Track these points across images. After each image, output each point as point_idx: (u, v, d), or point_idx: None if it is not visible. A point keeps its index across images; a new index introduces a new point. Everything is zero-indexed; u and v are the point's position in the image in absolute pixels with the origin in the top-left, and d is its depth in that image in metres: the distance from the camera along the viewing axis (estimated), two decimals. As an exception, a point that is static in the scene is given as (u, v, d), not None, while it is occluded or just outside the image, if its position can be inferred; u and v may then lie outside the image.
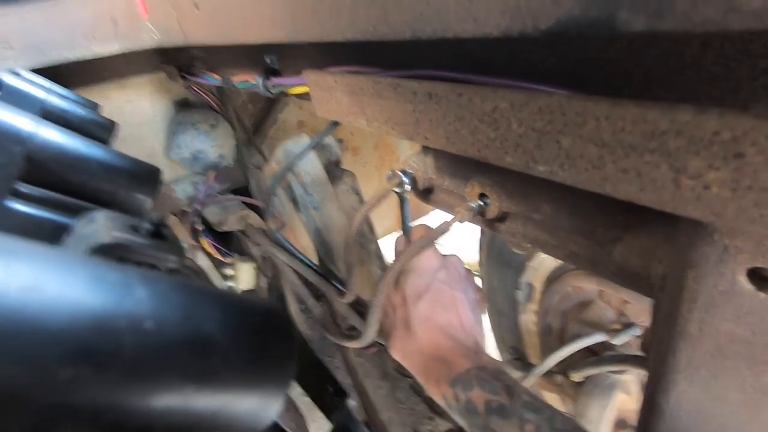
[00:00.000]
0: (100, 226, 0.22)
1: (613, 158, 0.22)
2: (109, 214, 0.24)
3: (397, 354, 0.52)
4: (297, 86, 0.55)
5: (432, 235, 0.52)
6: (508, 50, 0.31)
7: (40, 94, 0.49)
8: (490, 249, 1.46)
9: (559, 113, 0.24)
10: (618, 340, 1.07)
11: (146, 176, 0.40)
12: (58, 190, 0.32)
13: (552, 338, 1.34)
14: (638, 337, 1.09)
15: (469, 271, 0.59)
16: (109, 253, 0.21)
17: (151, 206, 0.39)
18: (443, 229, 0.52)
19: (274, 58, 0.61)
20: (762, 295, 0.27)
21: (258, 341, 0.17)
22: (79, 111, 0.52)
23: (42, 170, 0.31)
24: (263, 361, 0.17)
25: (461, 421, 0.44)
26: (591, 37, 0.26)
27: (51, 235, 0.25)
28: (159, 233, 0.24)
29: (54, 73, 0.72)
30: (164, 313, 0.15)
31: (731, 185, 0.18)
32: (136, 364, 0.13)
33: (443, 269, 0.54)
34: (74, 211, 0.27)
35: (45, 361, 0.12)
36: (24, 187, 0.30)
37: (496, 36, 0.22)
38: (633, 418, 1.15)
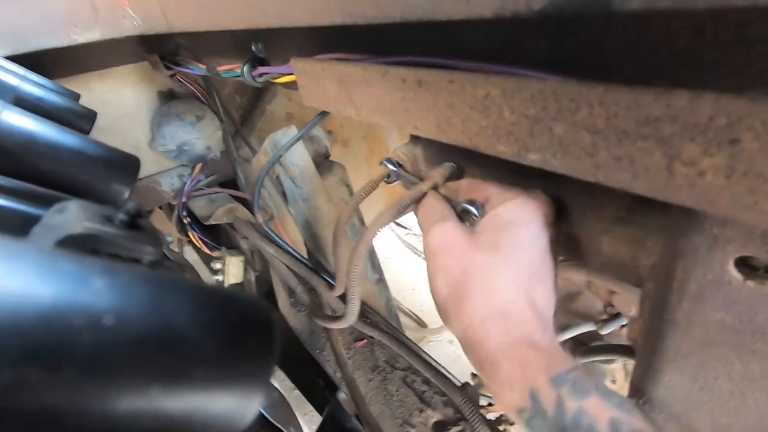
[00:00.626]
0: (71, 216, 0.20)
1: (606, 145, 0.22)
2: (82, 203, 0.23)
3: (465, 318, 0.36)
4: (284, 75, 0.54)
5: (404, 200, 0.46)
6: (499, 36, 0.30)
7: (13, 81, 0.47)
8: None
9: (552, 99, 0.23)
10: (605, 330, 1.09)
11: (123, 165, 0.39)
12: (29, 179, 0.30)
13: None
14: (623, 326, 1.10)
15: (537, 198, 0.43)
16: (80, 244, 0.20)
17: (129, 196, 0.37)
18: (416, 194, 0.48)
19: (260, 45, 0.59)
20: (750, 283, 0.27)
21: (234, 336, 0.16)
22: (56, 100, 0.50)
23: (9, 158, 0.30)
24: (240, 357, 0.16)
25: None
26: (584, 22, 0.25)
27: (21, 226, 0.24)
28: (135, 224, 0.23)
29: (33, 62, 0.70)
30: (126, 307, 0.14)
31: (726, 172, 0.18)
32: (92, 364, 0.12)
33: (544, 228, 0.40)
34: (47, 202, 0.25)
35: None
36: (-10, 176, 0.29)
37: (489, 17, 0.22)
38: (619, 406, 1.16)
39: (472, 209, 0.44)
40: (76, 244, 0.19)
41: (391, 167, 0.59)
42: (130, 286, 0.14)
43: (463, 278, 0.37)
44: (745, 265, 0.27)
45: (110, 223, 0.22)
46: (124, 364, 0.12)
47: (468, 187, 0.46)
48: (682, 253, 0.29)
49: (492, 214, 0.40)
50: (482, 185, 0.45)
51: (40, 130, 0.33)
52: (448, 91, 0.30)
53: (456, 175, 0.51)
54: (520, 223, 0.39)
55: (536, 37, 0.28)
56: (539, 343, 0.33)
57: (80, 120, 0.53)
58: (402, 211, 0.47)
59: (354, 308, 0.59)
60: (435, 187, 0.48)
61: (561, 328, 1.17)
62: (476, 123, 0.29)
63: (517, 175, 0.49)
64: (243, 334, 0.16)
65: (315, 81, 0.44)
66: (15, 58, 0.66)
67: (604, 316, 1.15)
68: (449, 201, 0.46)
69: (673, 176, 0.20)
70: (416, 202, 0.47)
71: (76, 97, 0.64)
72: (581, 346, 1.16)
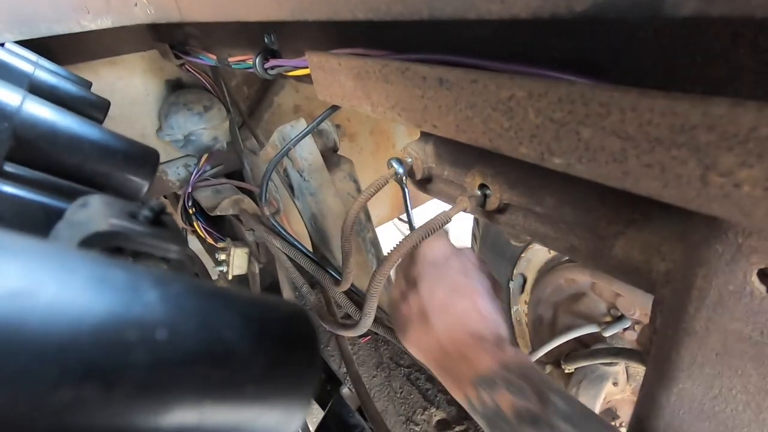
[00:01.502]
0: (95, 211, 0.20)
1: (636, 152, 0.22)
2: (105, 198, 0.22)
3: (413, 348, 0.48)
4: (297, 69, 0.53)
5: (432, 224, 0.51)
6: (524, 35, 0.30)
7: (27, 67, 0.47)
8: (483, 239, 1.46)
9: (580, 103, 0.23)
10: (609, 333, 1.09)
11: (143, 158, 0.38)
12: (50, 171, 0.30)
13: (543, 329, 1.35)
14: (627, 329, 1.10)
15: (482, 261, 0.56)
16: (106, 241, 0.19)
17: (148, 190, 0.37)
18: (443, 219, 0.50)
19: (273, 37, 0.59)
20: (772, 295, 0.27)
21: (281, 349, 0.15)
22: (70, 87, 0.49)
23: (31, 149, 0.30)
24: (286, 371, 0.15)
25: (487, 428, 0.40)
26: (616, 25, 0.25)
27: (42, 219, 0.24)
28: (159, 220, 0.23)
29: (41, 47, 0.69)
30: (179, 320, 0.13)
31: (764, 183, 0.18)
32: (147, 380, 0.12)
33: (455, 257, 0.51)
34: (67, 194, 0.25)
35: (39, 382, 0.10)
36: (12, 167, 0.28)
37: (524, 18, 0.21)
38: (620, 408, 1.17)
39: None
40: (102, 242, 0.19)
41: (398, 169, 0.59)
42: (180, 297, 0.14)
43: (407, 325, 0.50)
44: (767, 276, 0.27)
45: (135, 220, 0.21)
46: (178, 380, 0.12)
47: None
48: (703, 261, 0.29)
49: (411, 268, 0.53)
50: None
51: (61, 121, 0.33)
52: (470, 90, 0.29)
53: (485, 203, 0.54)
54: (424, 264, 0.52)
55: (563, 37, 0.28)
56: (466, 354, 0.42)
57: (93, 109, 0.53)
58: (428, 236, 0.51)
59: (368, 321, 0.59)
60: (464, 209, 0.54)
61: (564, 328, 1.17)
62: (499, 124, 0.28)
63: (529, 175, 0.49)
64: (288, 347, 0.16)
65: (330, 76, 0.43)
66: (24, 44, 0.65)
67: (608, 318, 1.15)
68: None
69: (707, 186, 0.19)
70: (441, 227, 0.53)
71: (89, 85, 0.64)
72: (584, 347, 1.16)
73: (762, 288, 0.27)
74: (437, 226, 0.50)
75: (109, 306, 0.12)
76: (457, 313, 0.45)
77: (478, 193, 0.53)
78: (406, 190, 0.60)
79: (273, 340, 0.15)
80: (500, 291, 0.54)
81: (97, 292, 0.12)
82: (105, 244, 0.19)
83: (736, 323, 0.29)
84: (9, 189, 0.24)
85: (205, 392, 0.13)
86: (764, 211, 0.18)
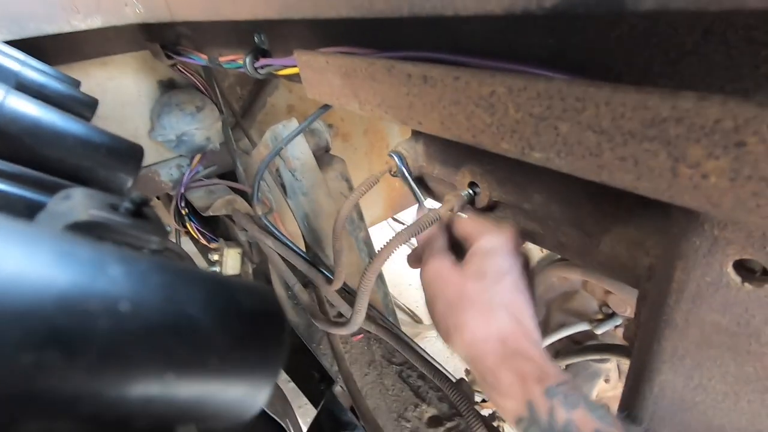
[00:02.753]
0: (76, 203, 0.20)
1: (611, 145, 0.22)
2: (87, 191, 0.22)
3: (464, 339, 0.41)
4: (287, 67, 0.54)
5: (422, 221, 0.51)
6: (506, 33, 0.30)
7: (14, 66, 0.47)
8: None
9: (558, 98, 0.23)
10: (600, 330, 1.10)
11: (127, 153, 0.38)
12: (33, 165, 0.30)
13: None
14: (618, 326, 1.11)
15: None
16: (86, 232, 0.20)
17: (132, 185, 0.37)
18: (432, 217, 0.51)
19: (263, 37, 0.59)
20: (748, 286, 0.27)
21: (246, 325, 0.16)
22: (58, 86, 0.50)
23: (14, 143, 0.30)
24: (252, 346, 0.16)
25: None
26: (592, 21, 0.25)
27: (25, 213, 0.24)
28: (140, 212, 0.23)
29: (32, 47, 0.69)
30: (142, 294, 0.14)
31: (730, 175, 0.18)
32: (109, 349, 0.12)
33: (520, 255, 0.46)
34: (51, 189, 0.25)
35: (3, 345, 0.11)
36: (-7, 162, 0.28)
37: (498, 14, 0.22)
38: (612, 404, 1.18)
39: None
40: (82, 232, 0.19)
41: (399, 163, 0.60)
42: (145, 273, 0.14)
43: (460, 304, 0.42)
44: (743, 267, 0.27)
45: (116, 212, 0.22)
46: (140, 351, 0.13)
47: (455, 221, 0.53)
48: (681, 254, 0.30)
49: (474, 249, 0.46)
50: (462, 222, 0.52)
51: (44, 116, 0.33)
52: (453, 87, 0.30)
53: (475, 201, 0.54)
54: (496, 252, 0.45)
55: (544, 35, 0.28)
56: (534, 357, 0.38)
57: (82, 107, 0.53)
58: (419, 231, 0.50)
59: (359, 319, 0.60)
60: (451, 210, 0.53)
61: (557, 326, 1.18)
62: (481, 120, 0.29)
63: (517, 173, 0.49)
64: (254, 324, 0.16)
65: (319, 74, 0.44)
66: (14, 44, 0.65)
67: (600, 316, 1.15)
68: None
69: (677, 178, 0.20)
70: (432, 224, 0.51)
71: (77, 84, 0.64)
72: (576, 345, 1.17)
73: (738, 279, 0.28)
74: (427, 224, 0.51)
75: (73, 277, 0.12)
76: (519, 311, 0.41)
77: (465, 192, 0.53)
78: (410, 178, 0.60)
79: (237, 316, 0.16)
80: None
81: (62, 265, 0.13)
82: (85, 234, 0.19)
83: (714, 314, 0.30)
84: (-8, 183, 0.25)
85: (168, 363, 0.13)
86: (731, 201, 0.19)
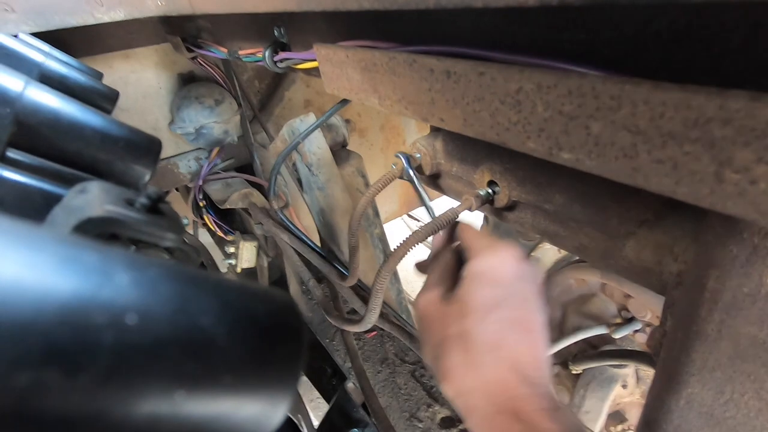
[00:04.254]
0: (92, 197, 0.20)
1: (648, 147, 0.21)
2: (104, 185, 0.22)
3: (450, 388, 0.37)
4: (306, 61, 0.53)
5: (439, 220, 0.50)
6: (535, 27, 0.29)
7: (38, 57, 0.47)
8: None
9: (591, 96, 0.22)
10: (618, 334, 1.07)
11: (146, 147, 0.38)
12: (51, 157, 0.30)
13: (552, 330, 1.34)
14: (637, 331, 1.08)
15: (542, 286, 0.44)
16: (100, 227, 0.19)
17: (150, 179, 0.37)
18: (451, 216, 0.49)
19: (283, 30, 0.58)
20: (789, 298, 0.26)
21: (263, 339, 0.15)
22: (80, 78, 0.50)
23: (33, 135, 0.30)
24: (268, 362, 0.15)
25: None
26: (629, 15, 0.24)
27: (42, 205, 0.24)
28: (156, 208, 0.23)
29: (57, 40, 0.70)
30: (151, 305, 0.13)
31: (782, 181, 0.17)
32: (115, 366, 0.12)
33: (522, 280, 0.39)
34: (68, 181, 0.25)
35: None
36: (13, 153, 0.28)
37: (532, 5, 0.20)
38: (628, 410, 1.15)
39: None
40: (96, 228, 0.19)
41: (405, 164, 0.59)
42: (155, 281, 0.13)
43: (441, 351, 0.37)
44: (784, 279, 0.26)
45: (131, 207, 0.21)
46: (148, 367, 0.12)
47: (462, 230, 0.48)
48: (716, 262, 0.28)
49: (466, 270, 0.40)
50: (466, 232, 0.46)
51: (64, 108, 0.33)
52: (477, 83, 0.29)
53: (493, 201, 0.52)
54: (486, 278, 0.38)
55: (573, 29, 0.27)
56: (522, 412, 0.33)
57: (103, 99, 0.53)
58: (435, 232, 0.48)
59: (373, 317, 0.59)
60: (469, 208, 0.51)
61: (573, 329, 1.16)
62: (506, 118, 0.28)
63: (538, 172, 0.48)
64: (272, 337, 0.15)
65: (338, 68, 0.43)
66: (40, 36, 0.66)
67: (618, 320, 1.13)
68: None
69: (721, 183, 0.18)
70: (447, 224, 0.48)
71: (99, 76, 0.65)
72: (593, 349, 1.14)
73: (778, 291, 0.26)
74: (445, 223, 0.49)
75: (76, 287, 0.12)
76: (512, 356, 0.35)
77: (483, 191, 0.52)
78: (417, 182, 0.58)
79: (255, 329, 0.15)
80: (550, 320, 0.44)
81: (64, 272, 0.12)
82: (100, 230, 0.19)
83: (749, 327, 0.28)
84: (10, 174, 0.25)
85: (178, 381, 0.12)
86: (782, 210, 0.17)
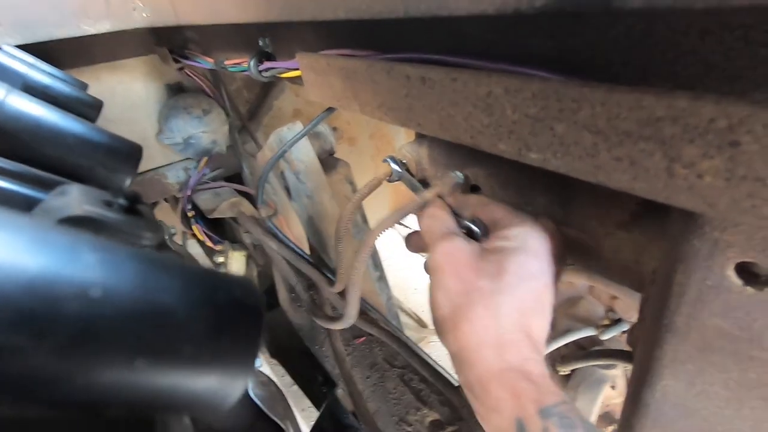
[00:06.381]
0: (72, 199, 0.21)
1: (607, 146, 0.22)
2: (83, 188, 0.23)
3: (459, 338, 0.36)
4: (290, 70, 0.54)
5: (407, 208, 0.47)
6: (506, 35, 0.30)
7: (22, 68, 0.48)
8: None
9: (554, 99, 0.23)
10: (606, 336, 1.08)
11: (126, 153, 0.39)
12: (33, 164, 0.31)
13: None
14: (624, 332, 1.10)
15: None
16: (78, 227, 0.20)
17: (130, 183, 0.38)
18: (419, 203, 0.48)
19: (267, 40, 0.60)
20: (749, 290, 0.27)
21: (223, 316, 0.16)
22: (63, 88, 0.50)
23: (15, 142, 0.30)
24: (227, 336, 0.16)
25: None
26: (588, 22, 0.25)
27: (23, 210, 0.24)
28: (134, 209, 0.23)
29: (45, 52, 0.71)
30: (114, 281, 0.14)
31: (725, 174, 0.18)
32: (79, 334, 0.12)
33: (555, 259, 0.40)
34: (50, 187, 0.25)
35: None
36: (-6, 160, 0.29)
37: (492, 14, 0.22)
38: (618, 412, 1.16)
39: (475, 229, 0.44)
40: (75, 227, 0.19)
41: (394, 166, 0.59)
42: (120, 261, 0.14)
43: (464, 300, 0.37)
44: (745, 270, 0.27)
45: (110, 208, 0.22)
46: (110, 336, 0.13)
47: (476, 203, 0.46)
48: (682, 257, 0.29)
49: (500, 238, 0.40)
50: (491, 205, 0.44)
51: (44, 115, 0.34)
52: (451, 88, 0.30)
53: (464, 187, 0.51)
54: (526, 252, 0.38)
55: (541, 36, 0.28)
56: (531, 374, 0.34)
57: (87, 109, 0.54)
58: (405, 216, 0.47)
59: (353, 310, 0.59)
60: (440, 197, 0.48)
61: (562, 331, 1.17)
62: (478, 121, 0.29)
63: (519, 176, 0.49)
64: (231, 315, 0.16)
65: (320, 76, 0.44)
66: (27, 48, 0.67)
67: (606, 321, 1.14)
68: (454, 214, 0.46)
69: (672, 178, 0.20)
70: (420, 210, 0.47)
71: (84, 86, 0.65)
72: (581, 351, 1.15)
73: (739, 282, 0.27)
74: (414, 208, 0.48)
75: (45, 263, 0.13)
76: (530, 323, 0.37)
77: (455, 174, 0.51)
78: (408, 176, 0.58)
79: (214, 306, 0.16)
80: None
81: (35, 251, 0.13)
82: (78, 229, 0.19)
83: (715, 319, 0.29)
84: (-8, 180, 0.25)
85: (139, 350, 0.13)
86: (727, 201, 0.18)
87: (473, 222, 0.44)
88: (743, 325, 0.28)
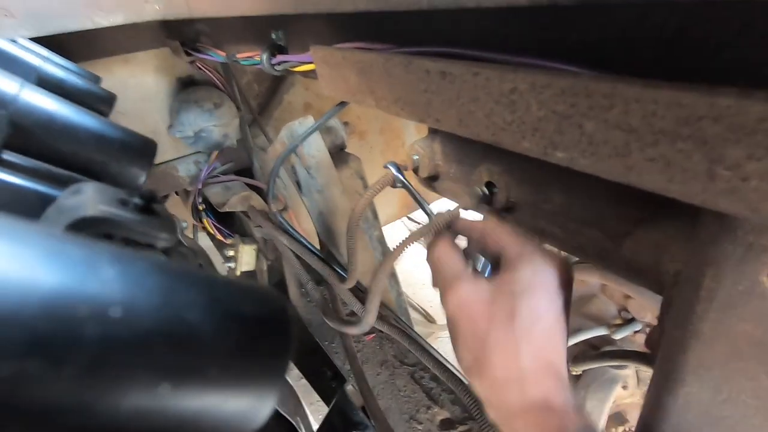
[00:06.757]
0: (87, 198, 0.20)
1: (640, 145, 0.21)
2: (98, 186, 0.22)
3: (488, 377, 0.38)
4: (303, 64, 0.53)
5: (436, 222, 0.49)
6: (529, 27, 0.29)
7: (36, 61, 0.48)
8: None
9: (583, 95, 0.22)
10: (619, 335, 1.07)
11: (141, 148, 0.38)
12: (47, 159, 0.30)
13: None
14: (637, 332, 1.08)
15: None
16: (94, 227, 0.19)
17: (145, 180, 0.37)
18: (448, 218, 0.49)
19: (280, 33, 0.59)
20: (784, 296, 0.26)
21: (249, 333, 0.15)
22: (77, 81, 0.50)
23: (29, 137, 0.30)
24: (255, 356, 0.15)
25: None
26: (621, 14, 0.24)
27: (37, 206, 0.24)
28: (150, 208, 0.23)
29: (57, 44, 0.71)
30: (136, 299, 0.13)
31: (773, 178, 0.17)
32: (98, 358, 0.12)
33: (565, 288, 0.41)
34: (64, 183, 0.25)
35: None
36: (9, 155, 0.28)
37: (524, 5, 0.21)
38: (629, 412, 1.15)
39: (482, 265, 0.45)
40: (90, 227, 0.19)
41: (395, 173, 0.59)
42: (141, 276, 0.13)
43: (482, 350, 0.39)
44: (780, 276, 0.26)
45: (125, 207, 0.21)
46: (132, 360, 0.12)
47: (483, 230, 0.46)
48: (711, 260, 0.28)
49: (509, 282, 0.41)
50: (497, 232, 0.45)
51: (59, 110, 0.33)
52: (472, 83, 0.29)
53: (486, 199, 0.51)
54: (537, 289, 0.39)
55: (568, 29, 0.27)
56: (554, 405, 0.35)
57: (100, 102, 0.54)
58: (430, 233, 0.48)
59: (371, 318, 0.59)
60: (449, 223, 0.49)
61: (573, 330, 1.16)
62: (501, 118, 0.28)
63: (536, 173, 0.48)
64: (258, 331, 0.15)
65: (335, 70, 0.43)
66: (40, 41, 0.67)
67: (618, 321, 1.13)
68: (464, 247, 0.47)
69: (713, 180, 0.19)
70: (445, 225, 0.48)
71: (97, 80, 0.65)
72: (593, 350, 1.14)
73: (773, 289, 0.26)
74: (442, 223, 0.49)
75: (60, 279, 0.12)
76: (548, 353, 0.38)
77: (480, 191, 0.52)
78: (411, 188, 0.59)
79: (241, 324, 0.15)
80: None
81: (50, 265, 0.12)
82: (93, 230, 0.19)
83: (745, 325, 0.28)
84: (5, 176, 0.25)
85: (163, 374, 0.13)
86: (773, 207, 0.17)
87: (482, 256, 0.45)
88: (776, 333, 0.27)
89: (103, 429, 0.12)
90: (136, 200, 0.22)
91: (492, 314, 0.39)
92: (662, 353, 0.36)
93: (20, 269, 0.11)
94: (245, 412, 0.14)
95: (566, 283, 0.41)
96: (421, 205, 0.58)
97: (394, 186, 0.60)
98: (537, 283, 0.39)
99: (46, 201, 0.24)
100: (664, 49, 0.23)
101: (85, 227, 0.19)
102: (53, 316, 0.11)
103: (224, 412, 0.14)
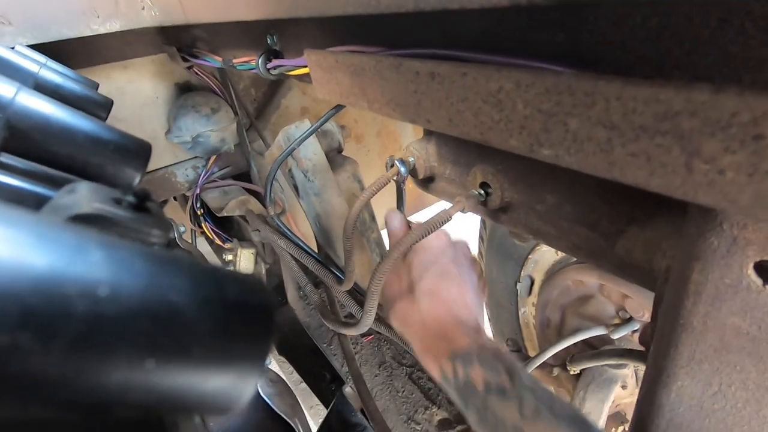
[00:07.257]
0: (80, 196, 0.21)
1: (622, 141, 0.21)
2: (92, 185, 0.23)
3: (396, 321, 0.52)
4: (298, 68, 0.54)
5: (432, 223, 0.50)
6: (516, 28, 0.30)
7: (33, 67, 0.48)
8: (490, 240, 1.45)
9: (567, 94, 0.23)
10: (617, 335, 1.07)
11: (135, 150, 0.39)
12: (43, 161, 0.31)
13: (550, 331, 1.34)
14: (635, 331, 1.08)
15: (474, 258, 0.60)
16: (88, 224, 0.20)
17: (140, 181, 0.38)
18: (443, 218, 0.50)
19: (275, 38, 0.59)
20: (770, 289, 0.26)
21: (233, 315, 0.16)
22: (74, 87, 0.51)
23: (25, 140, 0.31)
24: (237, 336, 0.16)
25: (457, 399, 0.43)
26: (604, 14, 0.24)
27: (34, 208, 0.24)
28: (143, 207, 0.23)
29: (56, 51, 0.71)
30: (122, 280, 0.14)
31: (748, 170, 0.17)
32: (86, 333, 0.12)
33: (451, 248, 0.55)
34: (60, 185, 0.26)
35: None
36: (6, 158, 0.29)
37: (505, 6, 0.21)
38: (629, 411, 1.15)
39: None
40: (84, 224, 0.19)
41: (400, 167, 0.59)
42: (128, 259, 0.14)
43: (395, 300, 0.53)
44: (764, 269, 0.26)
45: (119, 205, 0.22)
46: (118, 336, 0.13)
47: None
48: (698, 254, 0.29)
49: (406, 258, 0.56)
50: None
51: (55, 113, 0.34)
52: (460, 84, 0.29)
53: (482, 200, 0.55)
54: (424, 248, 0.54)
55: (554, 30, 0.28)
56: (447, 333, 0.46)
57: (97, 108, 0.54)
58: (427, 234, 0.52)
59: (369, 319, 0.60)
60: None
61: (572, 330, 1.16)
62: (489, 117, 0.28)
63: (529, 173, 0.49)
64: (241, 314, 0.16)
65: (328, 73, 0.44)
66: (39, 48, 0.67)
67: (616, 320, 1.13)
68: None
69: (691, 173, 0.19)
70: (441, 226, 0.54)
71: (95, 85, 0.65)
72: (592, 350, 1.14)
73: (759, 281, 0.26)
74: (437, 225, 0.50)
75: (51, 260, 0.13)
76: (443, 297, 0.49)
77: (476, 192, 0.53)
78: (403, 189, 0.61)
79: (223, 305, 0.16)
80: (485, 289, 0.59)
81: (41, 248, 0.13)
82: (87, 227, 0.19)
83: (733, 318, 0.28)
84: (3, 178, 0.25)
85: (148, 350, 0.13)
86: (749, 197, 0.18)
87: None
88: (763, 325, 0.27)
89: (90, 401, 0.12)
90: (130, 198, 0.23)
91: (398, 275, 0.54)
92: (654, 348, 0.36)
93: (13, 250, 0.12)
94: (228, 390, 0.15)
95: (455, 244, 0.56)
96: (400, 204, 0.63)
97: (400, 182, 0.61)
98: (422, 243, 0.53)
99: (42, 202, 0.24)
100: (648, 49, 0.24)
101: (80, 224, 0.19)
102: (44, 292, 0.12)
103: (207, 389, 0.15)
